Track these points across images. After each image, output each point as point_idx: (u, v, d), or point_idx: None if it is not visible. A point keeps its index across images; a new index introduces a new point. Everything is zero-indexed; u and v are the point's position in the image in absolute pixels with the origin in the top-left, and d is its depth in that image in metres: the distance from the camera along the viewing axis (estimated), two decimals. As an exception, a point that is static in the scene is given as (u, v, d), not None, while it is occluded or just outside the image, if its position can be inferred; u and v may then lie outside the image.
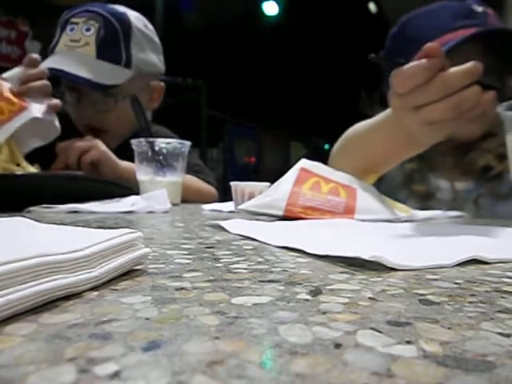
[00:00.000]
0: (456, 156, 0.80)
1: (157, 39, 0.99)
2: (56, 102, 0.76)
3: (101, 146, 0.86)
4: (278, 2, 4.98)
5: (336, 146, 0.77)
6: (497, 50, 0.72)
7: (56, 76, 0.84)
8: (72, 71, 0.84)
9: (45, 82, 0.76)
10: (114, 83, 0.88)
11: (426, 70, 0.45)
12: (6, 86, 0.72)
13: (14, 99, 0.71)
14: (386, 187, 0.81)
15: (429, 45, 0.45)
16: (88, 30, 0.88)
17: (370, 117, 0.69)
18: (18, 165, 0.70)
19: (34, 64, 0.77)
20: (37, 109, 0.72)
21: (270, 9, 5.06)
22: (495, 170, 0.75)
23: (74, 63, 0.85)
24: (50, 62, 0.86)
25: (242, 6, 4.52)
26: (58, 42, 0.91)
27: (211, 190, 1.02)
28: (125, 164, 0.87)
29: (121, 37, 0.89)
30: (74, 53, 0.87)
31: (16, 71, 0.77)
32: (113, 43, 0.88)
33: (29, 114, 0.70)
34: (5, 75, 0.76)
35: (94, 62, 0.86)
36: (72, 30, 0.89)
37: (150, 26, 0.98)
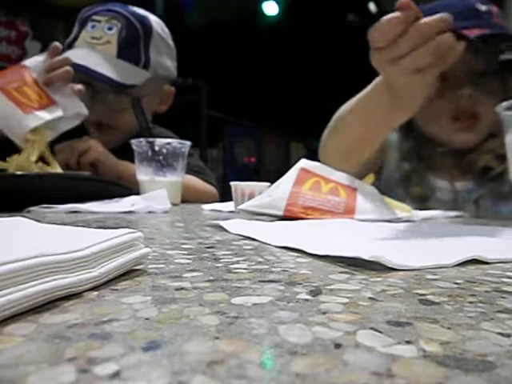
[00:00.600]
0: (456, 157, 0.80)
1: (172, 44, 1.00)
2: (79, 87, 0.78)
3: (98, 146, 0.86)
4: (277, 2, 4.98)
5: (327, 129, 0.78)
6: (496, 51, 0.72)
7: (77, 71, 0.86)
8: (93, 67, 0.84)
9: (67, 68, 0.77)
10: (133, 83, 0.88)
11: (401, 22, 0.47)
12: (32, 76, 0.74)
13: (42, 93, 0.73)
14: (382, 187, 0.81)
15: (401, 0, 0.47)
16: (110, 28, 0.89)
17: None
18: (45, 162, 0.73)
19: (57, 52, 0.78)
20: (63, 105, 0.75)
21: (270, 9, 5.06)
22: (495, 171, 0.75)
23: (95, 60, 0.85)
24: (71, 56, 0.85)
25: (242, 6, 4.52)
26: (76, 38, 0.91)
27: (212, 190, 1.02)
28: (124, 163, 0.87)
29: (141, 38, 0.90)
30: (95, 50, 0.87)
31: (39, 59, 0.78)
32: (133, 44, 0.89)
33: (58, 112, 0.74)
34: (28, 63, 0.77)
35: (115, 61, 0.87)
36: (93, 27, 0.89)
37: (167, 30, 0.99)
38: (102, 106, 0.91)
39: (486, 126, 0.75)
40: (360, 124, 0.69)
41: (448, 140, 0.79)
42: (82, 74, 0.85)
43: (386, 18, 0.48)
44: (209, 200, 0.90)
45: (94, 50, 0.87)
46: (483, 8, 0.74)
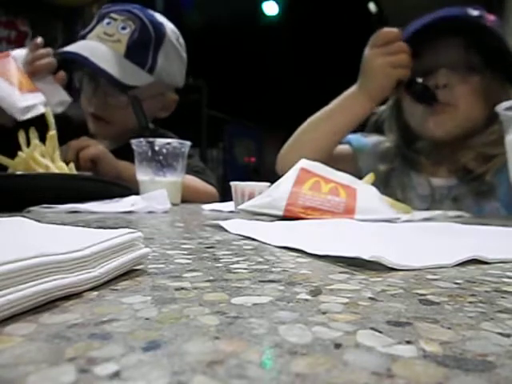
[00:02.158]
0: (440, 154, 0.82)
1: (184, 54, 1.01)
2: (62, 74, 0.81)
3: (97, 144, 0.87)
4: (277, 2, 4.97)
5: (287, 142, 0.89)
6: (477, 46, 0.76)
7: (80, 63, 0.89)
8: (97, 62, 0.86)
9: (50, 59, 0.80)
10: (134, 84, 0.89)
11: (396, 34, 0.75)
12: (17, 64, 0.77)
13: (26, 80, 0.78)
14: None
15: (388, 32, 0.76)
16: (124, 28, 0.90)
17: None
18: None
19: (38, 47, 0.81)
20: (47, 93, 0.78)
21: (270, 9, 5.05)
22: (476, 172, 0.77)
23: (102, 55, 0.87)
24: (78, 47, 0.88)
25: (242, 6, 4.52)
26: (91, 30, 0.93)
27: (212, 190, 1.02)
28: (123, 163, 0.88)
29: (152, 43, 0.91)
30: (105, 45, 0.89)
31: (22, 53, 0.82)
32: (143, 47, 0.91)
33: (41, 97, 0.77)
34: (13, 53, 0.80)
35: (121, 60, 0.88)
36: (108, 23, 0.91)
37: (182, 41, 1.01)
38: (101, 100, 0.93)
39: (462, 116, 0.77)
40: (328, 120, 0.82)
41: (423, 130, 0.81)
42: (85, 66, 0.88)
43: (386, 30, 0.76)
44: (209, 200, 0.90)
45: (103, 45, 0.89)
46: (475, 13, 0.77)
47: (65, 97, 0.82)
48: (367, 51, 0.77)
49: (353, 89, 0.81)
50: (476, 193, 0.76)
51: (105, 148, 0.88)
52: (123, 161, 0.88)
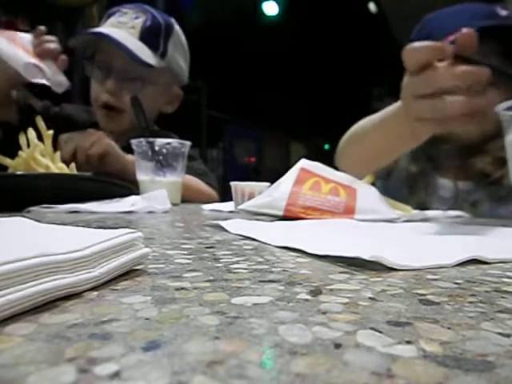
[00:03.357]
0: (461, 158, 0.81)
1: (187, 51, 1.06)
2: (63, 58, 0.83)
3: (104, 137, 0.88)
4: (277, 2, 4.97)
5: (343, 138, 0.80)
6: (506, 49, 0.72)
7: (90, 55, 0.95)
8: (118, 38, 0.90)
9: (55, 45, 0.82)
10: (150, 63, 0.93)
11: (434, 50, 0.47)
12: (24, 42, 0.80)
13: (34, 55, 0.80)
14: (391, 184, 0.82)
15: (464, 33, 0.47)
16: (137, 18, 0.96)
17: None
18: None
19: (43, 33, 0.83)
20: (48, 72, 0.80)
21: (270, 9, 5.05)
22: (494, 176, 0.76)
23: (120, 35, 0.91)
24: (97, 29, 0.92)
25: (242, 6, 4.52)
26: (103, 24, 0.98)
27: (212, 192, 1.02)
28: (130, 156, 0.88)
29: (162, 32, 0.96)
30: (120, 30, 0.93)
31: (28, 35, 0.83)
32: (155, 34, 0.96)
33: (42, 74, 0.79)
34: (20, 34, 0.83)
35: (137, 42, 0.93)
36: (121, 15, 0.96)
37: (185, 39, 1.05)
38: (115, 86, 0.95)
39: (488, 117, 0.75)
40: (381, 138, 0.69)
41: (450, 133, 0.78)
42: (106, 49, 0.92)
43: (422, 42, 0.48)
44: (208, 201, 0.91)
45: (119, 30, 0.93)
46: (503, 13, 0.74)
47: (64, 80, 0.84)
48: (404, 82, 0.53)
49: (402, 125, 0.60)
50: (494, 197, 0.76)
51: (111, 141, 0.89)
52: (129, 154, 0.88)
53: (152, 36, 0.95)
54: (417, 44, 0.48)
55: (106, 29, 0.94)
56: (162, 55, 0.96)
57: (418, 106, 0.49)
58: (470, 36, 0.48)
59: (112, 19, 0.96)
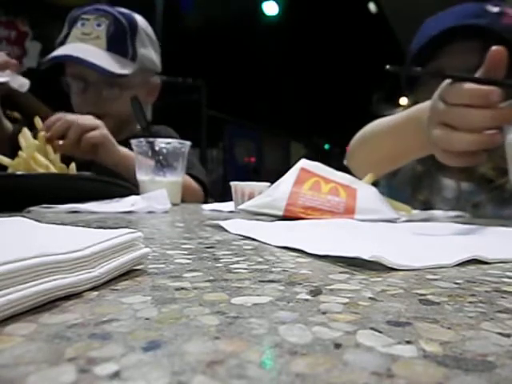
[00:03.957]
0: None
1: (156, 40, 1.06)
2: (14, 62, 0.85)
3: (104, 127, 0.87)
4: (277, 2, 4.97)
5: (354, 138, 0.80)
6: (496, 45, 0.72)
7: (60, 64, 0.94)
8: (86, 58, 0.90)
9: (3, 57, 0.84)
10: (123, 73, 0.93)
11: (481, 98, 0.45)
12: None
13: None
14: (396, 182, 0.82)
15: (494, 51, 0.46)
16: (99, 25, 0.95)
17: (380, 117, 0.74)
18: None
19: None
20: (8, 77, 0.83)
21: (270, 9, 5.05)
22: (497, 182, 0.75)
23: (87, 52, 0.91)
24: (64, 50, 0.92)
25: (242, 6, 4.52)
26: (67, 35, 0.97)
27: (197, 188, 1.00)
28: (124, 151, 0.88)
29: (128, 34, 0.96)
30: (87, 44, 0.93)
31: None
32: (121, 38, 0.95)
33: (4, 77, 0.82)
34: None
35: (105, 53, 0.93)
36: (83, 24, 0.96)
37: (150, 29, 1.06)
38: (94, 96, 0.96)
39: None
40: (394, 143, 0.68)
41: None
42: (76, 65, 0.92)
43: (473, 87, 0.46)
44: (194, 199, 0.92)
45: (85, 44, 0.93)
46: (495, 10, 0.74)
47: (25, 80, 0.85)
48: (436, 99, 0.50)
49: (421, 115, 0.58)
50: (497, 200, 0.76)
51: (108, 133, 0.88)
52: (125, 149, 0.87)
53: (118, 43, 0.95)
54: (467, 86, 0.46)
55: (71, 46, 0.93)
56: (133, 58, 0.97)
57: (437, 132, 0.49)
58: (499, 54, 0.47)
59: (75, 31, 0.95)
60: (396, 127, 0.67)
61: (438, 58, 0.76)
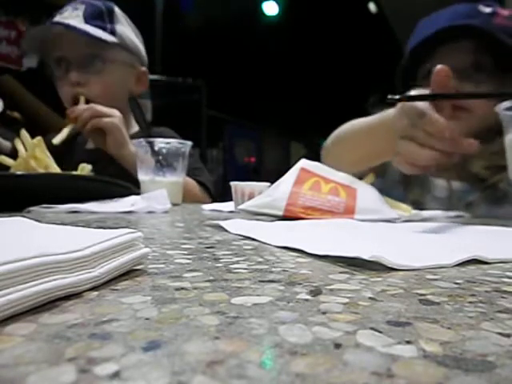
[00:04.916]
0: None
1: (138, 31, 1.07)
2: None
3: (119, 118, 0.89)
4: (277, 2, 4.97)
5: (330, 137, 0.83)
6: (489, 49, 0.74)
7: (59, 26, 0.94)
8: (68, 23, 0.92)
9: None
10: (103, 38, 0.94)
11: (438, 133, 0.51)
12: None
13: None
14: (386, 183, 0.82)
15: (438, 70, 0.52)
16: (76, 9, 0.97)
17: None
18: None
19: None
20: None
21: (270, 9, 5.05)
22: (490, 181, 0.76)
23: (68, 21, 0.93)
24: (47, 23, 0.94)
25: (242, 6, 4.52)
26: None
27: (204, 196, 1.01)
28: (131, 152, 0.88)
29: (105, 14, 0.98)
30: (67, 20, 0.94)
31: None
32: (98, 17, 0.97)
33: None
34: None
35: (85, 25, 0.94)
36: (61, 13, 0.97)
37: (129, 20, 1.06)
38: (77, 74, 0.95)
39: (475, 119, 0.76)
40: (369, 143, 0.72)
41: None
42: (58, 40, 0.94)
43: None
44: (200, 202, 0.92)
45: (65, 19, 0.94)
46: (487, 10, 0.75)
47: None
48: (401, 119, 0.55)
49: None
50: (490, 199, 0.76)
51: (122, 127, 0.89)
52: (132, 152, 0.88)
53: (96, 19, 0.96)
54: (428, 117, 0.51)
55: (52, 21, 0.95)
56: (112, 32, 0.97)
57: (402, 145, 0.53)
58: (443, 73, 0.52)
59: (54, 19, 0.97)
60: (370, 129, 0.71)
61: (432, 58, 0.77)
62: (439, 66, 0.51)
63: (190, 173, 0.95)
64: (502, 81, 0.76)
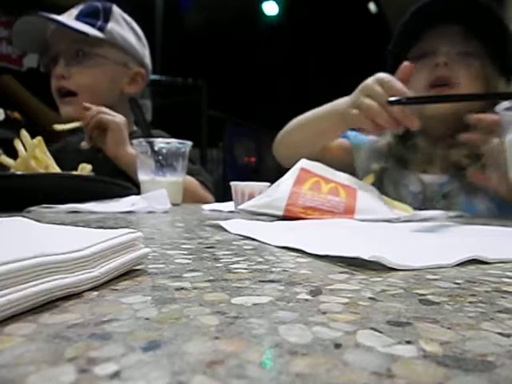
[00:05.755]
0: (434, 151, 0.82)
1: (141, 34, 1.07)
2: None
3: (123, 120, 0.90)
4: (277, 2, 4.97)
5: (282, 130, 0.91)
6: (477, 32, 0.76)
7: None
8: (56, 18, 0.93)
9: None
10: (86, 32, 0.95)
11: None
12: None
13: None
14: None
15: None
16: (76, 8, 0.99)
17: None
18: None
19: None
20: None
21: (270, 9, 5.05)
22: (469, 169, 0.76)
23: (57, 17, 0.94)
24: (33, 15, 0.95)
25: (242, 6, 4.52)
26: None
27: (207, 195, 1.02)
28: (132, 151, 0.88)
29: (101, 13, 0.99)
30: (57, 17, 0.96)
31: None
32: (92, 15, 0.98)
33: None
34: None
35: (73, 21, 0.96)
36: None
37: (130, 18, 1.07)
38: (63, 67, 0.96)
39: (460, 112, 0.76)
40: (317, 123, 0.81)
41: (425, 109, 0.81)
42: (49, 35, 0.95)
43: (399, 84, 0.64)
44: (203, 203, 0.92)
45: (56, 16, 0.95)
46: None
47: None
48: (370, 81, 0.67)
49: (344, 101, 0.74)
50: (468, 190, 0.76)
51: (125, 129, 0.90)
52: (132, 155, 0.89)
53: (89, 17, 0.97)
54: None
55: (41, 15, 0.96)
56: (100, 29, 0.97)
57: (365, 100, 0.65)
58: (408, 68, 0.66)
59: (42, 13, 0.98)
60: (317, 113, 0.81)
61: (421, 39, 0.80)
62: (405, 63, 0.64)
63: (188, 173, 0.95)
64: (492, 66, 0.78)
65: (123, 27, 1.03)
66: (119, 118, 0.90)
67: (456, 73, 0.76)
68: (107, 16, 0.99)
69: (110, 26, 0.99)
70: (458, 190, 0.77)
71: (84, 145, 0.90)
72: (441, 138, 0.81)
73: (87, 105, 0.90)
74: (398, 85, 0.63)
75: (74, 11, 0.98)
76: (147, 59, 1.08)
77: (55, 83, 0.97)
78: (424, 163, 0.83)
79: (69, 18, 0.95)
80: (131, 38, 1.04)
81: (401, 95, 0.60)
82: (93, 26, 0.97)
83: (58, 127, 0.88)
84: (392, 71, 0.83)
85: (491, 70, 0.78)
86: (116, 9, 1.02)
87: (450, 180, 0.79)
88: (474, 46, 0.77)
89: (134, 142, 0.79)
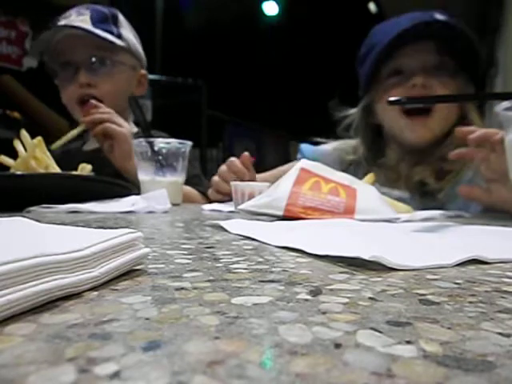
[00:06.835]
0: (399, 170, 0.84)
1: (138, 36, 1.09)
2: None
3: (129, 132, 0.90)
4: (277, 2, 4.97)
5: None
6: (449, 49, 0.79)
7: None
8: (79, 25, 0.93)
9: None
10: (114, 41, 0.96)
11: None
12: None
13: None
14: None
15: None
16: (81, 14, 0.98)
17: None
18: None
19: None
20: None
21: (270, 9, 5.05)
22: (429, 187, 0.78)
23: (77, 24, 0.94)
24: (55, 29, 0.95)
25: (242, 6, 4.52)
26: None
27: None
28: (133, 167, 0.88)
29: (110, 19, 1.00)
30: (75, 23, 0.96)
31: None
32: (104, 21, 0.98)
33: None
34: None
35: (93, 28, 0.96)
36: (65, 18, 0.98)
37: (131, 26, 1.09)
38: (86, 76, 0.97)
39: (438, 120, 0.79)
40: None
41: (400, 136, 0.83)
42: (67, 44, 0.95)
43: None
44: None
45: (73, 23, 0.95)
46: (441, 17, 0.79)
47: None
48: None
49: None
50: (425, 209, 0.77)
51: (130, 138, 0.90)
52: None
53: (102, 23, 0.98)
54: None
55: (60, 25, 0.95)
56: (119, 36, 0.99)
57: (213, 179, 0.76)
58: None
59: (60, 23, 0.97)
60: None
61: (394, 59, 0.82)
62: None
63: (190, 181, 0.95)
64: (465, 80, 0.79)
65: (129, 31, 1.04)
66: (126, 130, 0.90)
67: (433, 91, 0.78)
68: (115, 21, 1.00)
69: (124, 32, 1.01)
70: (417, 207, 0.78)
71: (54, 146, 0.88)
72: (413, 151, 0.83)
73: (98, 104, 0.90)
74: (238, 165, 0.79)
75: (85, 18, 0.97)
76: (144, 57, 1.10)
77: (77, 91, 0.97)
78: (391, 180, 0.84)
79: (87, 25, 0.95)
80: (135, 41, 1.05)
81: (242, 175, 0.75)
82: (111, 33, 0.98)
83: (54, 146, 0.87)
84: (365, 87, 0.86)
85: (464, 84, 0.81)
86: (119, 13, 1.04)
87: (411, 197, 0.80)
88: (447, 62, 0.79)
89: (134, 141, 0.79)
